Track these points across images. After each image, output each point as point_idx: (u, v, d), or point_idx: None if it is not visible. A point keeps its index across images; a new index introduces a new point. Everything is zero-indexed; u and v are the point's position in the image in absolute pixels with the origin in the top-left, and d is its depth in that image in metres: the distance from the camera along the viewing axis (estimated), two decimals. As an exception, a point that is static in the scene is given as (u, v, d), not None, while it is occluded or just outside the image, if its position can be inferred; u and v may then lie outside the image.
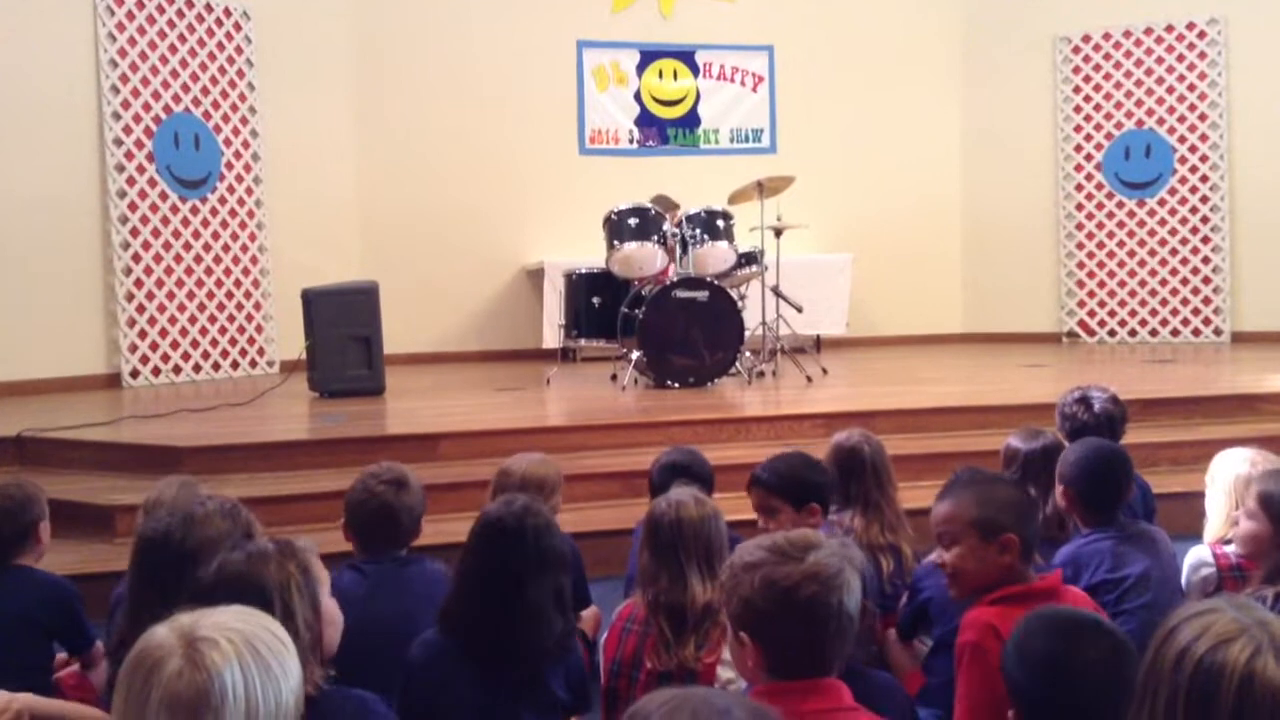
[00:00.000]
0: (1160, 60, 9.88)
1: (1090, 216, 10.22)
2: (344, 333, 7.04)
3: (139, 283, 8.06)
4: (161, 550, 2.39)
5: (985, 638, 2.23)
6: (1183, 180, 9.84)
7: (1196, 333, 9.81)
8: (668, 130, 10.37)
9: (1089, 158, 10.21)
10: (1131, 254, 10.05)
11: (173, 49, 8.30)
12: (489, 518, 2.50)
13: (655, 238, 7.11)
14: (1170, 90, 9.86)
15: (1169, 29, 9.81)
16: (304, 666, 1.87)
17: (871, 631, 2.97)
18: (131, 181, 8.02)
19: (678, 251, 7.19)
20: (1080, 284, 10.27)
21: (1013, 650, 1.88)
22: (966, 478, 2.59)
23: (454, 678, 2.37)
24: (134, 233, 8.02)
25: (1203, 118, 9.74)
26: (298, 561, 2.01)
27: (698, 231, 7.16)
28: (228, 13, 8.68)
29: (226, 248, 8.63)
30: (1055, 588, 2.41)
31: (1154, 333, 9.99)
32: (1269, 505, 2.73)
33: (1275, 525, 2.67)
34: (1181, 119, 9.83)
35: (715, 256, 7.19)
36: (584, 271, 7.58)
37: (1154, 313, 10.00)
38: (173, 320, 8.26)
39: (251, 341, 8.83)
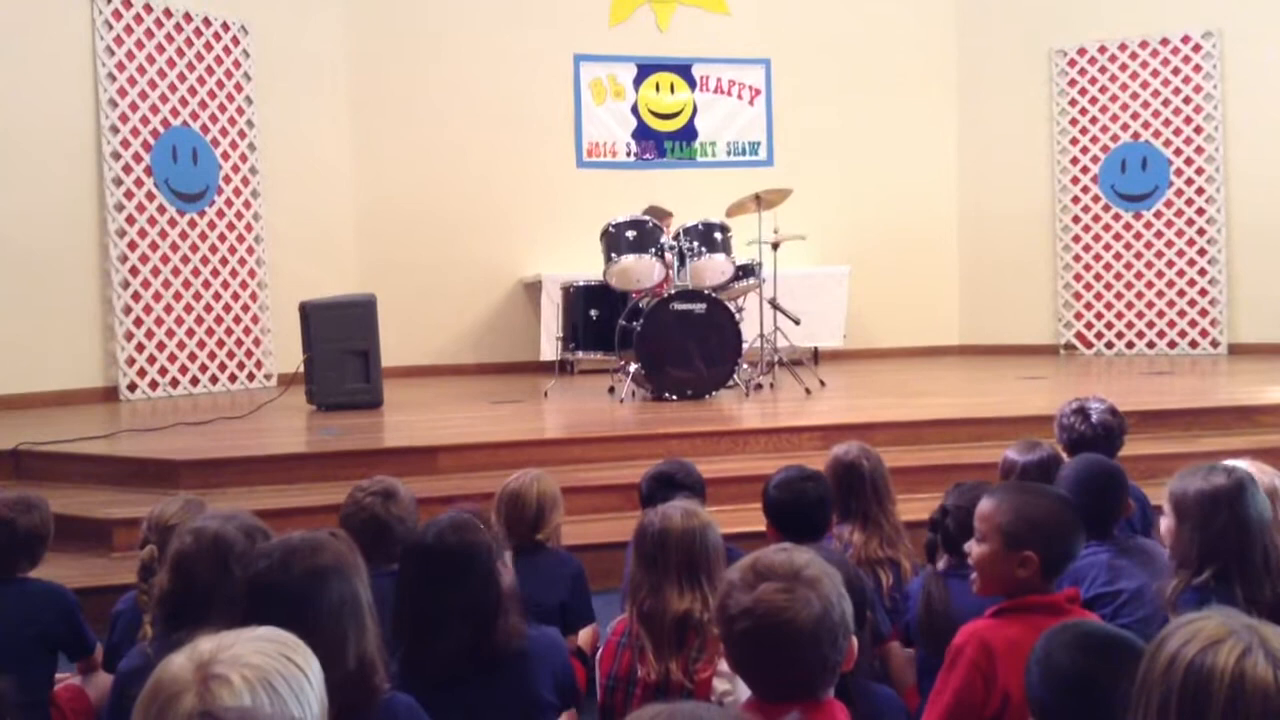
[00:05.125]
0: (1156, 74, 9.91)
1: (1087, 229, 10.24)
2: (342, 346, 7.04)
3: (136, 296, 8.05)
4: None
5: (971, 646, 2.30)
6: (1179, 193, 9.86)
7: (1194, 345, 9.82)
8: (665, 143, 10.39)
9: (1085, 170, 10.23)
10: (1128, 266, 10.07)
11: (171, 63, 8.32)
12: (412, 544, 2.47)
13: (653, 250, 7.12)
14: (1166, 103, 9.89)
15: (1164, 42, 9.85)
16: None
17: (872, 645, 2.96)
18: (129, 195, 8.02)
19: (675, 264, 7.19)
20: (1077, 296, 10.29)
21: (1036, 664, 1.86)
22: (1019, 485, 2.57)
23: None
24: (132, 246, 8.02)
25: (1198, 130, 9.78)
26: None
27: (695, 244, 7.16)
28: (226, 27, 8.70)
29: (224, 261, 8.63)
30: (1059, 604, 2.38)
31: (1151, 345, 10.01)
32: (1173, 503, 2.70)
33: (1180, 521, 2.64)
34: (1177, 132, 9.86)
35: (713, 269, 7.19)
36: (581, 284, 7.59)
37: (1151, 325, 10.01)
38: (170, 333, 8.25)
39: (249, 355, 8.82)
